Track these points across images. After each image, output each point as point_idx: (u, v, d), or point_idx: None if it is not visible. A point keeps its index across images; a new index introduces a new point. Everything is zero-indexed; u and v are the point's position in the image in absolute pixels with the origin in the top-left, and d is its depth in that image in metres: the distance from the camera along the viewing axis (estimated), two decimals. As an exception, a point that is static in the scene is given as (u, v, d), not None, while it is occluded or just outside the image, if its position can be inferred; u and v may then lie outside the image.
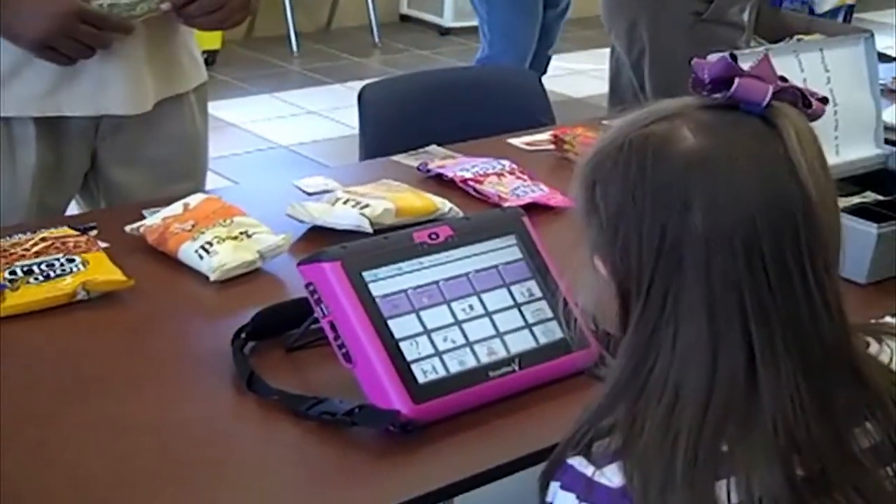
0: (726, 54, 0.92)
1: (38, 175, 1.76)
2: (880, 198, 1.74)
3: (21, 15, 1.60)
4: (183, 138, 1.92)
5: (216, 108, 4.95)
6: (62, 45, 1.62)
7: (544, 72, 4.15)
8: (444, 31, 6.35)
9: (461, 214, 1.71)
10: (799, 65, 1.84)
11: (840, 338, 0.90)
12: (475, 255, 1.33)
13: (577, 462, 0.90)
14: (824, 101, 0.94)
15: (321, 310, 1.24)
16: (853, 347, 0.92)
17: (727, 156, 0.88)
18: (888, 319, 1.08)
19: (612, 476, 0.88)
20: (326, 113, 4.93)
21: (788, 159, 0.88)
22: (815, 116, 0.93)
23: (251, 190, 2.12)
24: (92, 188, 1.89)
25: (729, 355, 0.87)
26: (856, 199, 1.76)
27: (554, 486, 0.91)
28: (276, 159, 4.33)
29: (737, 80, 0.90)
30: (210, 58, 5.56)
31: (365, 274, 1.24)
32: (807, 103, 0.92)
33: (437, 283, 1.28)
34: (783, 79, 0.93)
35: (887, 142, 1.89)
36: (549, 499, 0.92)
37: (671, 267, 0.88)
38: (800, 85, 0.92)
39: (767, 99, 0.90)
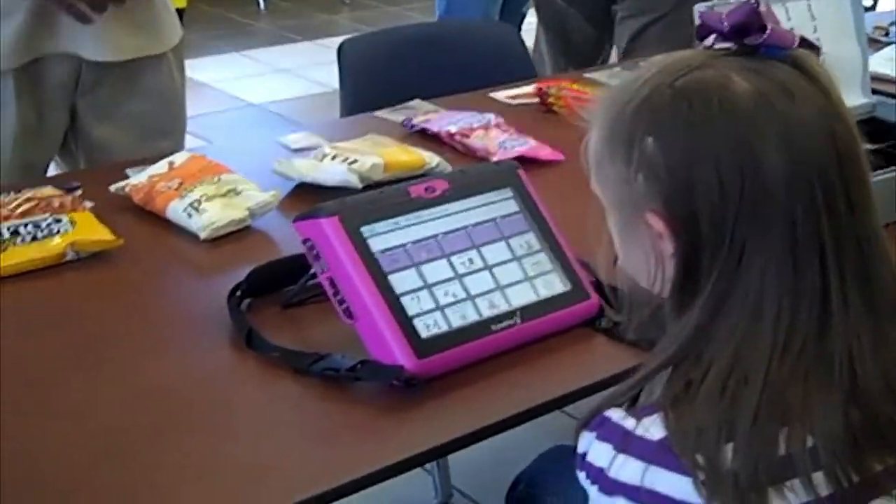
0: (744, 1, 0.91)
1: (20, 133, 1.74)
2: (870, 146, 1.73)
3: None
4: (162, 94, 1.91)
5: (185, 68, 4.92)
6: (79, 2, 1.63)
7: (518, 29, 4.10)
8: (413, -12, 6.29)
9: (449, 168, 1.70)
10: (786, 13, 1.83)
11: (894, 274, 0.90)
12: (472, 208, 1.31)
13: (616, 414, 0.89)
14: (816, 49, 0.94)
15: (320, 266, 1.22)
16: None
17: (786, 94, 0.87)
18: None
19: (651, 428, 0.86)
20: (297, 71, 4.88)
21: (826, 99, 0.88)
22: None
23: (233, 148, 2.09)
24: (71, 146, 1.87)
25: (806, 300, 0.86)
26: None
27: (589, 436, 0.90)
28: (250, 118, 4.29)
29: (769, 27, 0.89)
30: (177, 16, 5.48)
31: (363, 229, 1.23)
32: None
33: (435, 237, 1.27)
34: None
35: (874, 91, 1.89)
36: (581, 449, 0.91)
37: (752, 213, 0.86)
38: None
39: (797, 42, 0.89)
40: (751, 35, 0.90)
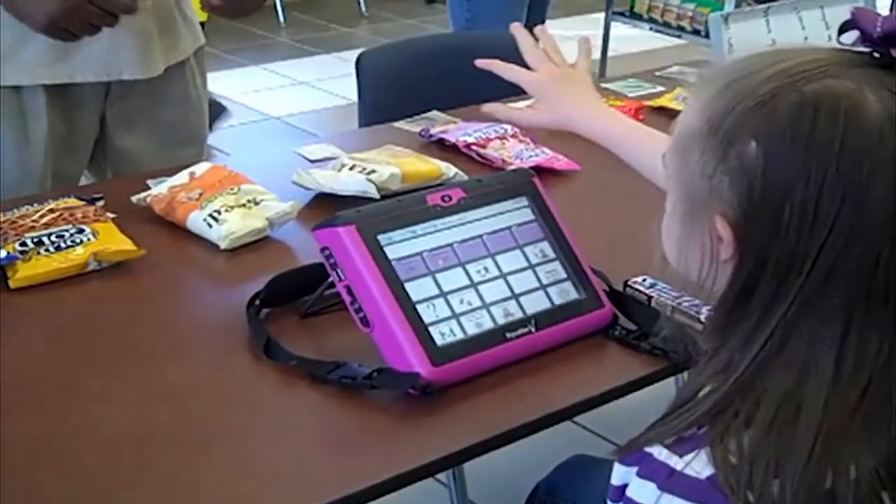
0: None
1: (51, 144, 1.76)
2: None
3: None
4: (186, 101, 1.93)
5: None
6: (71, 25, 1.63)
7: None
8: (431, 0, 6.32)
9: (466, 178, 1.71)
10: (800, 22, 1.84)
11: None
12: (488, 216, 1.33)
13: (658, 451, 0.85)
14: None
15: (337, 274, 1.24)
16: None
17: None
18: None
19: (696, 465, 0.82)
20: (316, 83, 4.91)
21: None
22: None
23: (252, 159, 2.11)
24: (98, 156, 1.89)
25: (875, 338, 0.82)
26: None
27: (627, 470, 0.87)
28: (269, 131, 4.32)
29: None
30: (197, 30, 5.53)
31: (380, 237, 1.24)
32: None
33: (451, 245, 1.28)
34: None
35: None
36: (618, 481, 0.88)
37: (840, 244, 0.80)
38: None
39: None
40: None
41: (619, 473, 0.88)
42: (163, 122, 1.88)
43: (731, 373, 0.85)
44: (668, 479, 0.83)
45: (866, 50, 0.85)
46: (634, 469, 0.86)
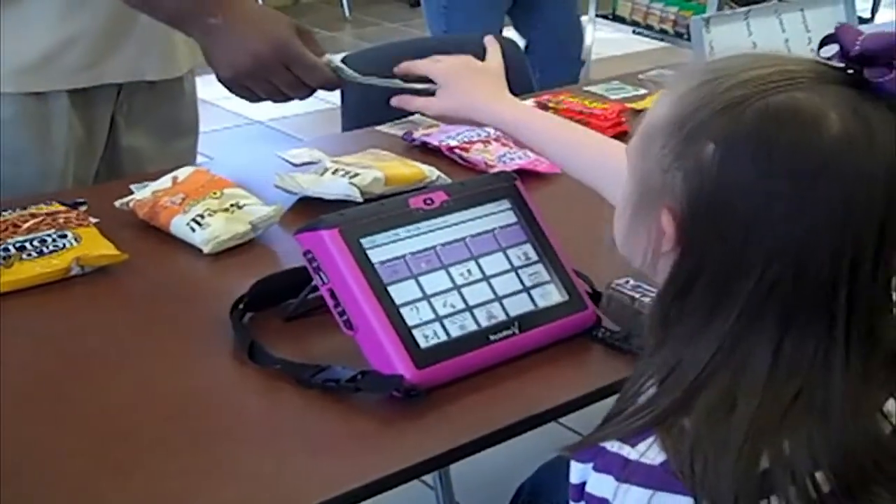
0: (892, 32, 0.84)
1: (72, 147, 1.74)
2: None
3: (226, 45, 1.53)
4: (181, 95, 1.92)
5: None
6: (258, 86, 1.56)
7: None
8: (415, 4, 6.31)
9: (449, 182, 1.72)
10: (780, 25, 1.86)
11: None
12: (471, 219, 1.33)
13: (610, 444, 0.86)
14: None
15: (320, 277, 1.24)
16: None
17: (870, 144, 0.82)
18: None
19: (649, 453, 0.84)
20: (300, 87, 4.90)
21: None
22: None
23: (235, 163, 2.10)
24: (105, 156, 1.86)
25: (804, 350, 0.84)
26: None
27: (583, 467, 0.89)
28: (253, 134, 4.31)
29: None
30: (180, 34, 5.52)
31: (363, 240, 1.24)
32: None
33: (434, 248, 1.29)
34: None
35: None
36: (577, 479, 0.89)
37: (782, 257, 0.82)
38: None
39: None
40: (875, 67, 0.83)
41: (577, 471, 0.90)
42: (161, 117, 1.87)
43: (681, 378, 0.86)
44: (623, 470, 0.84)
45: (841, 66, 0.86)
46: (590, 465, 0.88)
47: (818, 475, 0.83)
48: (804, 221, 0.82)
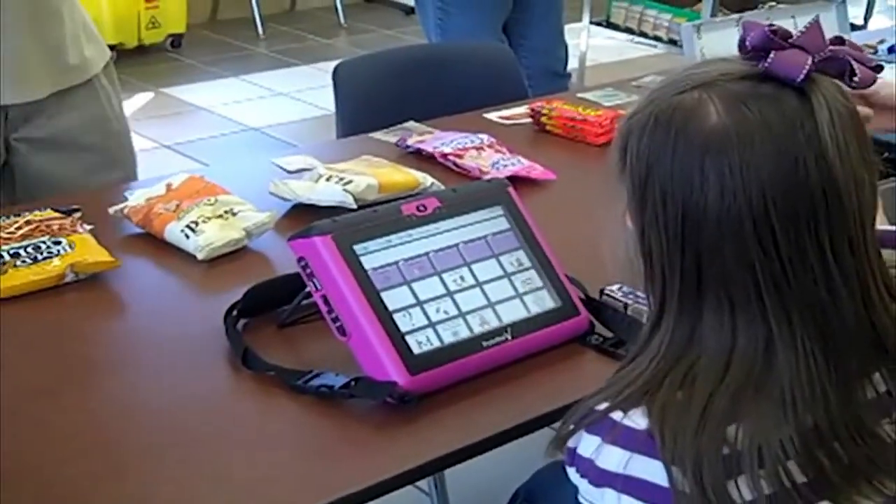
0: (767, 24, 0.90)
1: None
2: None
3: None
4: (99, 120, 1.88)
5: (184, 92, 4.96)
6: None
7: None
8: (410, 11, 6.32)
9: (443, 189, 1.72)
10: (772, 31, 1.86)
11: (860, 314, 0.90)
12: (463, 226, 1.34)
13: (602, 406, 0.92)
14: (877, 69, 0.92)
15: (313, 284, 1.24)
16: (876, 321, 0.92)
17: (746, 136, 0.88)
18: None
19: (637, 419, 0.89)
20: (295, 94, 4.91)
21: (816, 137, 0.87)
22: (863, 85, 0.91)
23: (229, 170, 2.12)
24: (11, 180, 1.84)
25: (747, 331, 0.89)
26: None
27: (579, 434, 0.93)
28: (248, 141, 4.31)
29: (773, 54, 0.89)
30: (175, 41, 5.53)
31: (356, 247, 1.25)
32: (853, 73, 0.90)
33: (427, 254, 1.29)
34: (839, 40, 0.91)
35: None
36: (572, 444, 0.94)
37: (693, 243, 0.89)
38: (851, 52, 0.91)
39: (804, 74, 0.88)
40: (760, 58, 0.89)
41: (573, 439, 0.94)
42: (76, 143, 1.84)
43: (655, 356, 0.93)
44: (611, 431, 0.90)
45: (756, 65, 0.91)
46: (584, 429, 0.93)
47: (790, 464, 0.87)
48: (695, 210, 0.89)
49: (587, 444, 0.92)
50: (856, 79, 0.91)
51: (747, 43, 0.91)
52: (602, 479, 0.90)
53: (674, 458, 0.87)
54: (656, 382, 0.91)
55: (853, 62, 0.91)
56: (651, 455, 0.88)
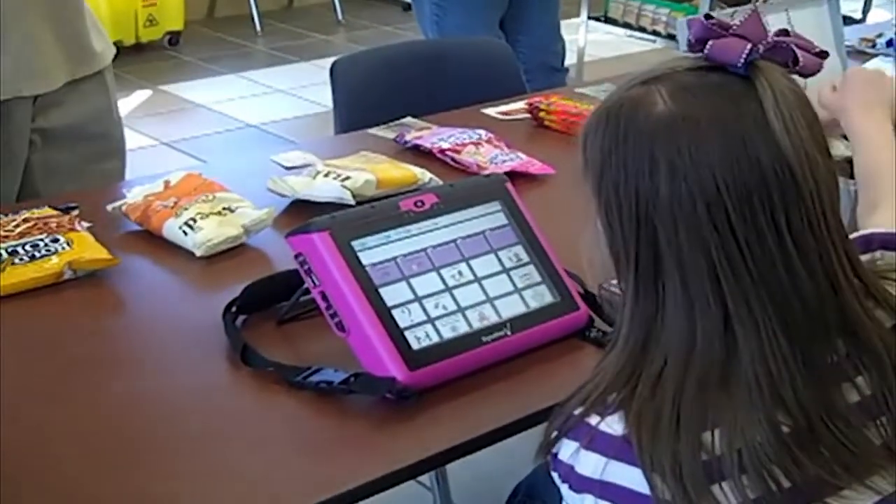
0: (702, 16, 0.94)
1: None
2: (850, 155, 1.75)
3: None
4: (108, 113, 1.91)
5: (182, 90, 4.96)
6: None
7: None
8: (407, 7, 6.32)
9: (441, 184, 1.72)
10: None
11: (824, 295, 0.90)
12: (461, 221, 1.33)
13: (581, 411, 0.92)
14: (822, 55, 0.94)
15: (312, 280, 1.24)
16: (845, 305, 0.92)
17: (692, 120, 0.89)
18: None
19: (614, 424, 0.90)
20: (293, 91, 4.91)
21: (763, 117, 0.89)
22: (808, 73, 0.93)
23: (227, 167, 2.11)
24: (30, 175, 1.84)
25: (705, 317, 0.89)
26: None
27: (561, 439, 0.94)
28: (246, 138, 4.32)
29: (710, 42, 0.92)
30: (173, 39, 5.52)
31: (354, 243, 1.25)
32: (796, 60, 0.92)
33: (425, 250, 1.29)
34: (785, 32, 0.93)
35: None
36: (555, 449, 0.94)
37: (650, 233, 0.90)
38: (795, 41, 0.93)
39: (743, 58, 0.90)
40: (703, 49, 0.93)
41: (556, 444, 0.95)
42: (86, 135, 1.86)
43: (623, 350, 0.94)
44: (588, 437, 0.90)
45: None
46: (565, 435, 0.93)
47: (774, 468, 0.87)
48: (648, 199, 0.90)
49: (566, 450, 0.93)
50: (799, 65, 0.92)
51: (689, 37, 0.94)
52: (581, 484, 0.91)
53: (653, 465, 0.87)
54: (623, 380, 0.91)
55: (796, 50, 0.92)
56: (628, 461, 0.88)
